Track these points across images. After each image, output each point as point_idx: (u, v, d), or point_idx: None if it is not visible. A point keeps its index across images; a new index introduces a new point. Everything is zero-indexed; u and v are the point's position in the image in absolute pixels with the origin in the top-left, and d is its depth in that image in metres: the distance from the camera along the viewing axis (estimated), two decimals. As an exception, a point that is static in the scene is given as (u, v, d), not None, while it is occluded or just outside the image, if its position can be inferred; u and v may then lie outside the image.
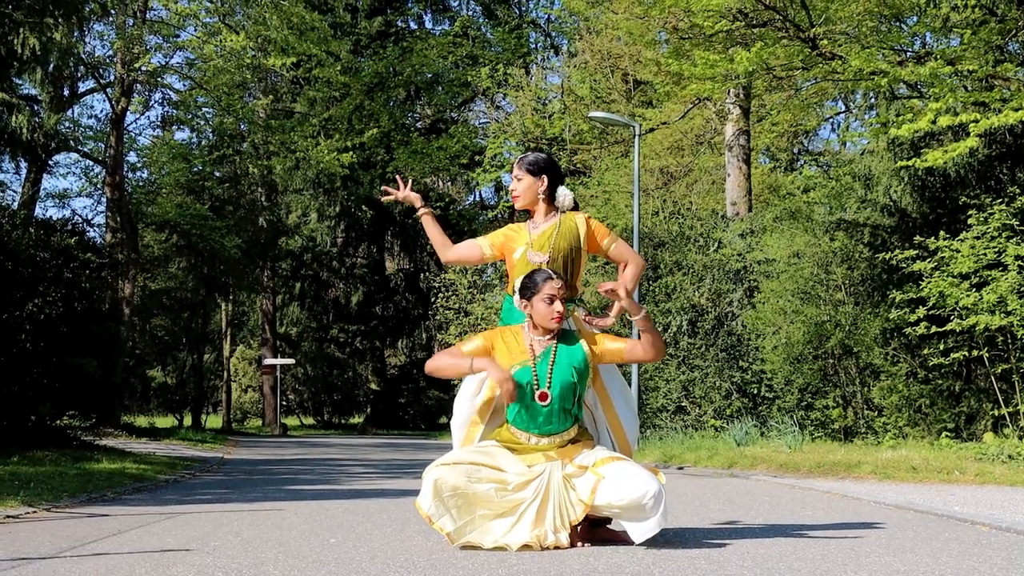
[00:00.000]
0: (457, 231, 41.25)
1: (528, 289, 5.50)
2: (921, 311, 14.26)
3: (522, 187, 5.87)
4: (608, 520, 5.57)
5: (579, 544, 5.37)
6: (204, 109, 34.31)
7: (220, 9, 30.42)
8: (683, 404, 19.53)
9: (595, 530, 5.53)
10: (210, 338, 44.70)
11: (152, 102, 36.14)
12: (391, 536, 5.92)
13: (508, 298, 5.85)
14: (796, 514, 7.49)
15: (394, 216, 45.45)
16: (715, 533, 6.16)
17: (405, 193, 6.15)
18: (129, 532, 6.13)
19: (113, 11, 25.91)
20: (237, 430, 42.00)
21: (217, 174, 36.63)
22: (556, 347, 5.50)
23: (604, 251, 5.87)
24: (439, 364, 5.63)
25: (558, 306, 5.42)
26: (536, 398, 5.40)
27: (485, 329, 28.26)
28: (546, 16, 43.39)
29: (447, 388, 39.04)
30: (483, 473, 5.32)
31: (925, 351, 14.95)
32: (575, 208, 5.94)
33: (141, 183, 35.64)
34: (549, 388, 5.40)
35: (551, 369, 5.44)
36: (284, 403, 46.35)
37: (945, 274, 14.03)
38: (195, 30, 30.69)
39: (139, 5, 28.85)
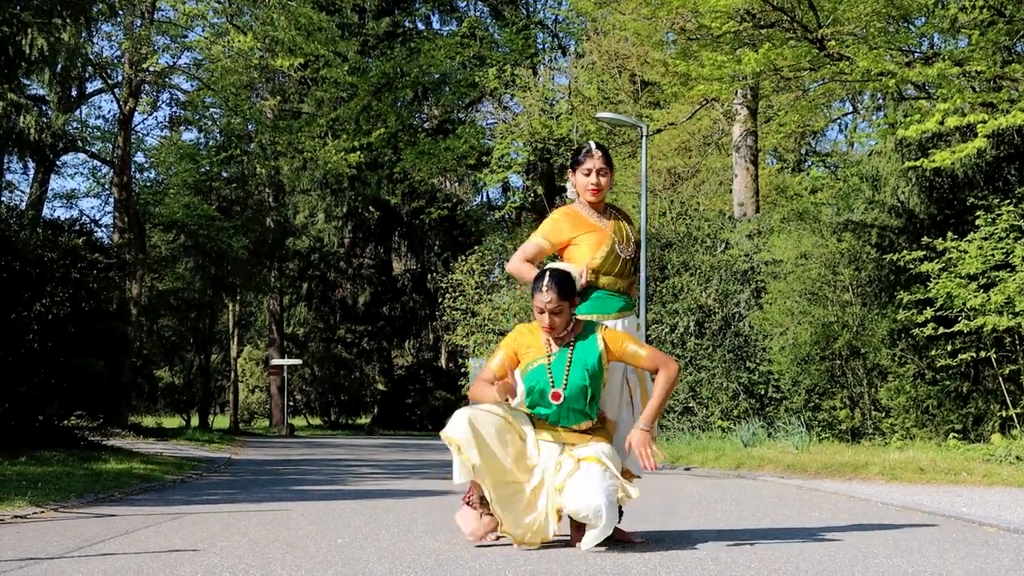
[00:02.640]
0: (464, 231, 41.30)
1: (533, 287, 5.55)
2: (929, 312, 14.25)
3: (606, 183, 5.82)
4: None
5: (577, 545, 5.38)
6: (212, 109, 34.31)
7: (228, 10, 30.45)
8: (690, 405, 19.52)
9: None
10: (217, 338, 44.74)
11: (160, 102, 36.29)
12: (398, 536, 5.92)
13: None
14: (803, 515, 7.49)
15: (401, 217, 45.48)
16: (722, 534, 6.16)
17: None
18: (137, 532, 6.14)
19: (121, 12, 25.92)
20: (244, 430, 42.02)
21: (224, 174, 36.65)
22: (574, 347, 5.49)
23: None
24: (474, 394, 5.63)
25: (545, 320, 5.42)
26: (550, 397, 5.41)
27: (492, 330, 28.15)
28: (553, 17, 43.37)
29: (454, 389, 39.06)
30: (508, 437, 5.37)
31: (933, 352, 14.93)
32: None
33: (149, 183, 35.68)
34: (564, 389, 5.40)
35: (568, 370, 5.43)
36: (291, 403, 46.36)
37: (953, 275, 14.02)
38: (203, 31, 30.73)
39: (147, 6, 28.88)
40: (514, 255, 5.94)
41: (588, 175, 5.76)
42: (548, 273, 5.51)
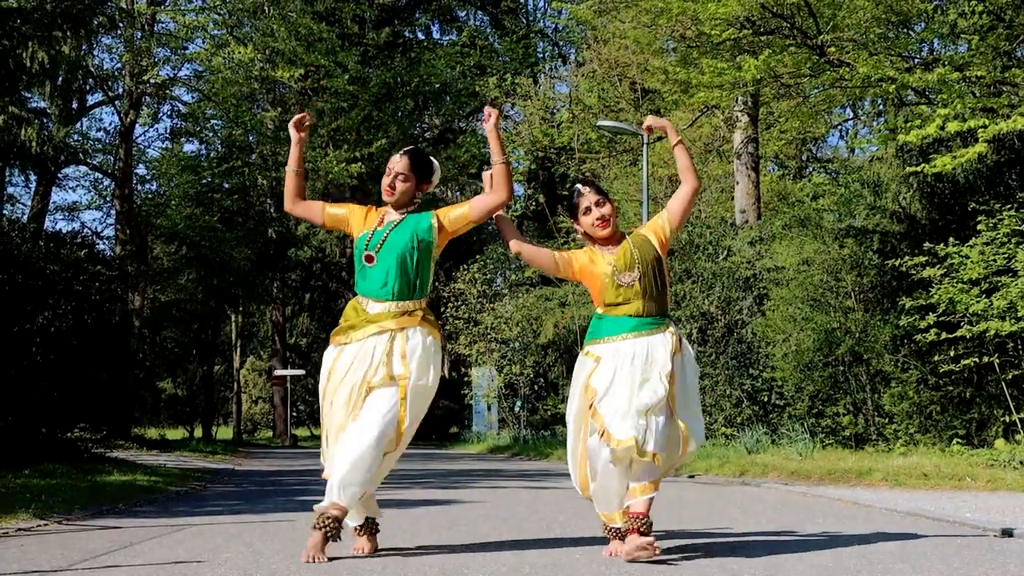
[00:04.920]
0: (466, 240, 41.31)
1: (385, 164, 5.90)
2: (931, 318, 14.24)
3: (609, 211, 5.86)
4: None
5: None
6: (213, 121, 34.36)
7: (228, 21, 30.51)
8: (694, 412, 19.45)
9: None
10: (220, 350, 44.74)
11: (161, 114, 36.30)
12: (401, 545, 5.92)
13: (595, 316, 5.87)
14: (807, 522, 7.49)
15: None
16: (727, 541, 6.16)
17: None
18: (140, 544, 6.13)
19: (121, 24, 25.94)
20: (248, 441, 42.05)
21: (226, 186, 36.64)
22: (403, 220, 5.80)
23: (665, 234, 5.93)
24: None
25: (387, 180, 5.80)
26: (364, 259, 5.69)
27: (494, 339, 28.11)
28: (553, 25, 43.41)
29: (458, 398, 39.01)
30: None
31: (935, 358, 14.92)
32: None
33: (150, 195, 35.67)
34: (376, 252, 5.67)
35: (387, 235, 5.72)
36: (294, 414, 46.35)
37: (955, 280, 14.01)
38: (203, 42, 30.79)
39: (147, 18, 28.96)
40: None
41: (588, 213, 5.80)
42: (414, 148, 5.92)
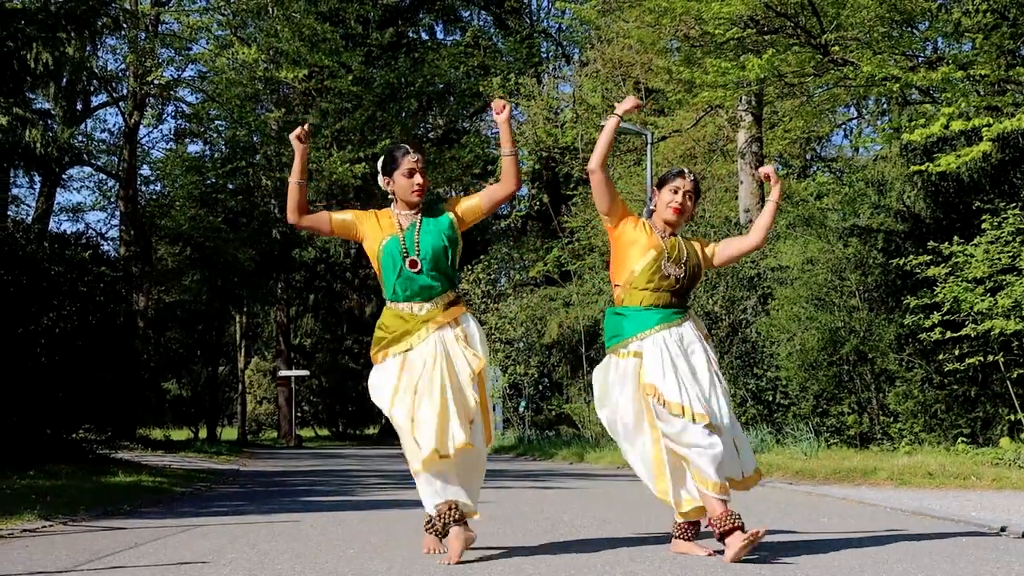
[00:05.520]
0: (470, 240, 41.20)
1: (388, 166, 5.79)
2: (936, 316, 14.22)
3: (690, 207, 5.91)
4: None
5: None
6: (217, 122, 34.39)
7: (232, 22, 30.55)
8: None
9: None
10: (225, 350, 44.75)
11: (165, 115, 36.30)
12: (408, 547, 5.92)
13: (612, 313, 5.88)
14: (812, 521, 7.48)
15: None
16: (731, 541, 6.15)
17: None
18: (146, 545, 6.14)
19: (125, 25, 25.97)
20: (252, 442, 42.06)
21: (230, 186, 36.63)
22: (422, 219, 5.74)
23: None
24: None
25: (418, 179, 5.72)
26: (407, 265, 5.61)
27: (499, 339, 28.10)
28: (557, 25, 43.35)
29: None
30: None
31: (940, 356, 14.90)
32: None
33: (154, 196, 35.68)
34: (418, 256, 5.62)
35: (418, 237, 5.67)
36: (299, 415, 46.35)
37: (959, 279, 13.99)
38: (207, 43, 30.82)
39: (151, 19, 28.97)
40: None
41: (675, 193, 5.85)
42: (415, 141, 5.82)
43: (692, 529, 5.60)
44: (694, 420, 5.38)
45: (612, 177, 29.50)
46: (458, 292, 5.80)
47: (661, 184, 5.92)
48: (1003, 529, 6.45)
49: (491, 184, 6.12)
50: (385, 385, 5.59)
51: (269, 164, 34.30)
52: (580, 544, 6.07)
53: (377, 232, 5.75)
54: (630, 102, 5.91)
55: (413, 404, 5.45)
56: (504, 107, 5.83)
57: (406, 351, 5.59)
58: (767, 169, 6.12)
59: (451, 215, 5.79)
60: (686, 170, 5.92)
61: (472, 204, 5.86)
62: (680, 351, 5.58)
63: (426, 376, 5.48)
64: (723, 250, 5.96)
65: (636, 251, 5.75)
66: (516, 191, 5.92)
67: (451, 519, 5.33)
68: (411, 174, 5.74)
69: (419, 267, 5.62)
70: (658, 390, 5.46)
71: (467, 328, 5.69)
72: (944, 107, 13.97)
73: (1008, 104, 13.96)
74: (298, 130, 5.90)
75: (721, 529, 5.28)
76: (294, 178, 5.85)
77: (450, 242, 5.73)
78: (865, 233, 17.17)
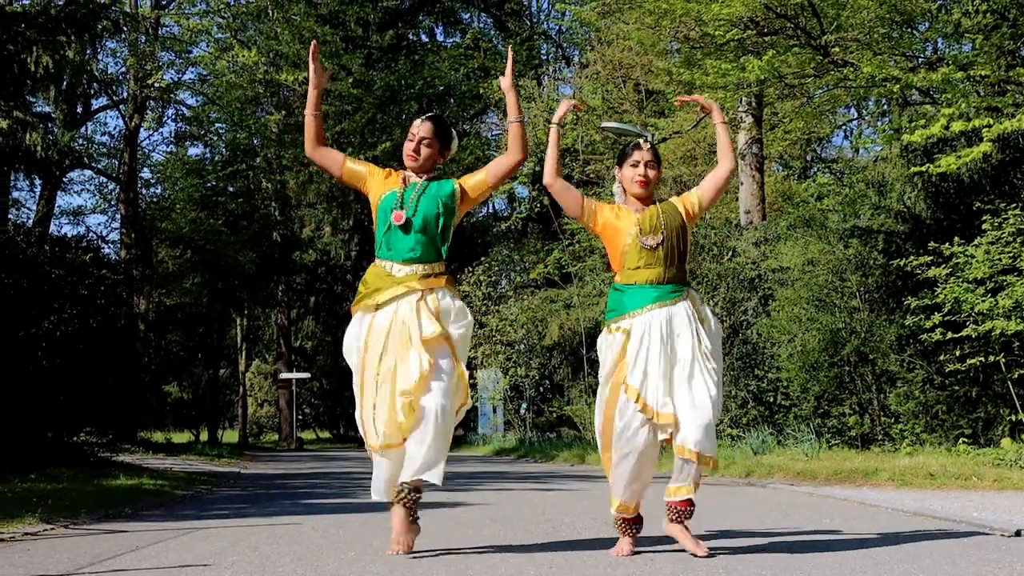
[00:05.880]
0: (471, 243, 41.33)
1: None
2: (936, 317, 14.21)
3: (654, 176, 5.93)
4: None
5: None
6: (217, 124, 34.43)
7: (232, 25, 30.58)
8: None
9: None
10: (225, 353, 44.73)
11: (165, 118, 36.34)
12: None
13: (613, 289, 5.91)
14: (814, 522, 7.48)
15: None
16: (733, 542, 6.16)
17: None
18: (147, 548, 6.14)
19: (125, 28, 25.99)
20: (253, 444, 42.05)
21: (231, 189, 36.69)
22: (427, 184, 5.81)
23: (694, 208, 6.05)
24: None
25: (410, 146, 5.81)
26: (393, 219, 5.68)
27: (500, 341, 28.08)
28: (557, 27, 43.41)
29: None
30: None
31: (941, 357, 14.89)
32: None
33: (155, 199, 35.73)
34: (410, 214, 5.68)
35: (417, 198, 5.74)
36: (300, 417, 46.36)
37: (960, 280, 13.99)
38: (207, 46, 30.85)
39: (151, 22, 29.01)
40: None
41: (635, 166, 5.88)
42: (436, 114, 5.98)
43: (675, 513, 5.58)
44: (645, 414, 5.48)
45: (612, 178, 29.62)
46: (445, 266, 5.81)
47: (621, 162, 5.97)
48: (1018, 533, 6.42)
49: (497, 157, 6.12)
50: (352, 350, 5.78)
51: (269, 167, 34.35)
52: (581, 545, 6.07)
53: (381, 187, 5.85)
54: (564, 106, 6.06)
55: (375, 388, 5.62)
56: (509, 73, 5.88)
57: (373, 309, 5.70)
58: (689, 98, 6.37)
59: (456, 185, 5.85)
60: (641, 141, 5.97)
61: (478, 179, 5.90)
62: (667, 333, 5.60)
63: (388, 350, 5.60)
64: (705, 191, 6.01)
65: (619, 237, 5.82)
66: (523, 159, 5.90)
67: (400, 499, 5.63)
68: (411, 139, 5.83)
69: (405, 222, 5.68)
70: (628, 369, 5.58)
71: (441, 301, 5.71)
72: (944, 108, 13.96)
73: (1008, 105, 13.96)
74: (312, 48, 5.97)
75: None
76: (309, 109, 5.92)
77: (445, 210, 5.76)
78: (866, 234, 17.17)
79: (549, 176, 6.00)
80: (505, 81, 5.93)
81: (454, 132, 6.05)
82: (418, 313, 5.60)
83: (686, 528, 5.53)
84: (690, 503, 5.54)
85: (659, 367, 5.51)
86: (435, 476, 5.54)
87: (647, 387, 5.50)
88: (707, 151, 29.30)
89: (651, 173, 5.87)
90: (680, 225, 5.83)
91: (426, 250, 5.71)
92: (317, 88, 5.95)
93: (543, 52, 43.36)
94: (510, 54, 6.00)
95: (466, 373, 5.77)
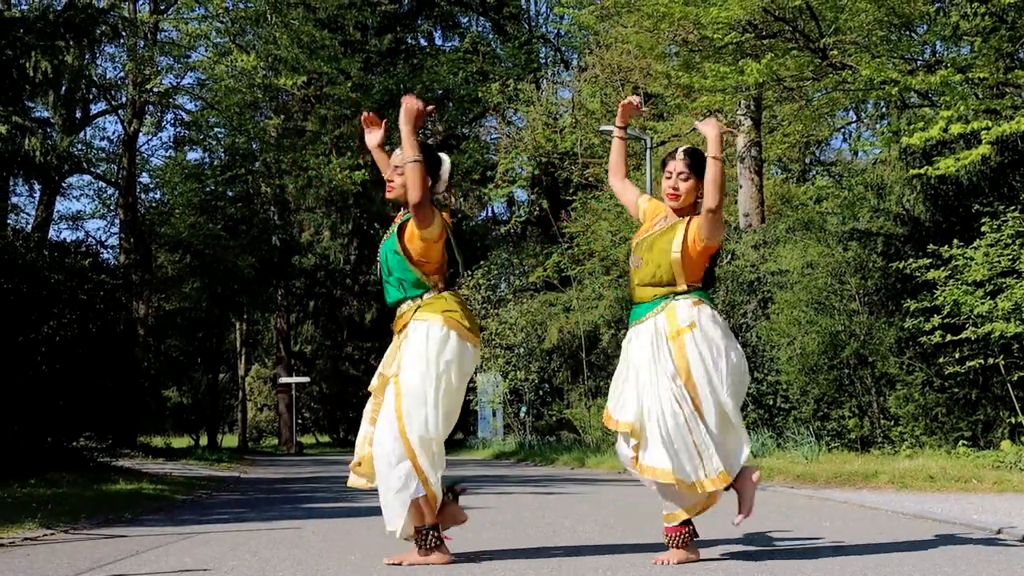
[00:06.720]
0: (470, 246, 41.33)
1: None
2: (936, 320, 14.21)
3: (685, 188, 5.61)
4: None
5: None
6: (216, 129, 34.40)
7: (230, 29, 30.54)
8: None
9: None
10: (225, 357, 44.75)
11: (164, 123, 36.29)
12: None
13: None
14: (814, 525, 7.48)
15: (406, 232, 45.49)
16: (732, 545, 6.16)
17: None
18: (147, 552, 6.14)
19: (124, 33, 25.98)
20: (253, 449, 42.06)
21: (230, 194, 36.69)
22: (399, 223, 5.64)
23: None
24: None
25: (387, 175, 5.74)
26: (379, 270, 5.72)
27: (499, 344, 28.05)
28: (556, 31, 43.44)
29: (464, 405, 39.08)
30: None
31: (940, 360, 14.89)
32: None
33: (154, 204, 35.72)
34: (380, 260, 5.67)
35: (383, 242, 5.73)
36: (300, 421, 46.37)
37: (959, 282, 13.99)
38: (206, 51, 30.85)
39: (150, 27, 28.98)
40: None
41: (669, 179, 5.63)
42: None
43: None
44: (617, 427, 5.51)
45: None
46: (420, 300, 5.51)
47: (661, 168, 5.78)
48: (1000, 531, 6.43)
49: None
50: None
51: (268, 171, 34.33)
52: (582, 549, 6.07)
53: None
54: (625, 111, 5.91)
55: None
56: (412, 107, 5.65)
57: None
58: (701, 126, 5.70)
59: (397, 228, 5.59)
60: (679, 149, 5.70)
61: (410, 229, 5.57)
62: (648, 345, 5.47)
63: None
64: (700, 233, 5.50)
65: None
66: (413, 202, 5.45)
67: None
68: (388, 168, 5.75)
69: (379, 272, 5.67)
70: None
71: (411, 336, 5.46)
72: (943, 110, 13.98)
73: (1007, 107, 13.96)
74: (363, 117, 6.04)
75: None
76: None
77: (395, 251, 5.54)
78: (865, 237, 17.18)
79: (610, 176, 6.07)
80: (402, 117, 5.66)
81: (443, 158, 5.81)
82: (398, 351, 5.63)
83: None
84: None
85: (632, 377, 5.52)
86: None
87: (616, 402, 5.56)
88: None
89: (683, 185, 5.58)
90: (663, 251, 5.56)
91: (399, 289, 5.66)
92: (379, 145, 6.00)
93: (541, 56, 43.36)
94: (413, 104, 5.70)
95: (407, 416, 5.53)
